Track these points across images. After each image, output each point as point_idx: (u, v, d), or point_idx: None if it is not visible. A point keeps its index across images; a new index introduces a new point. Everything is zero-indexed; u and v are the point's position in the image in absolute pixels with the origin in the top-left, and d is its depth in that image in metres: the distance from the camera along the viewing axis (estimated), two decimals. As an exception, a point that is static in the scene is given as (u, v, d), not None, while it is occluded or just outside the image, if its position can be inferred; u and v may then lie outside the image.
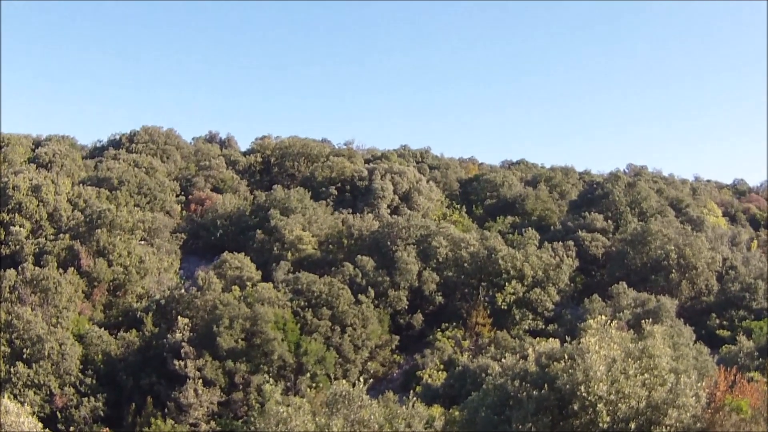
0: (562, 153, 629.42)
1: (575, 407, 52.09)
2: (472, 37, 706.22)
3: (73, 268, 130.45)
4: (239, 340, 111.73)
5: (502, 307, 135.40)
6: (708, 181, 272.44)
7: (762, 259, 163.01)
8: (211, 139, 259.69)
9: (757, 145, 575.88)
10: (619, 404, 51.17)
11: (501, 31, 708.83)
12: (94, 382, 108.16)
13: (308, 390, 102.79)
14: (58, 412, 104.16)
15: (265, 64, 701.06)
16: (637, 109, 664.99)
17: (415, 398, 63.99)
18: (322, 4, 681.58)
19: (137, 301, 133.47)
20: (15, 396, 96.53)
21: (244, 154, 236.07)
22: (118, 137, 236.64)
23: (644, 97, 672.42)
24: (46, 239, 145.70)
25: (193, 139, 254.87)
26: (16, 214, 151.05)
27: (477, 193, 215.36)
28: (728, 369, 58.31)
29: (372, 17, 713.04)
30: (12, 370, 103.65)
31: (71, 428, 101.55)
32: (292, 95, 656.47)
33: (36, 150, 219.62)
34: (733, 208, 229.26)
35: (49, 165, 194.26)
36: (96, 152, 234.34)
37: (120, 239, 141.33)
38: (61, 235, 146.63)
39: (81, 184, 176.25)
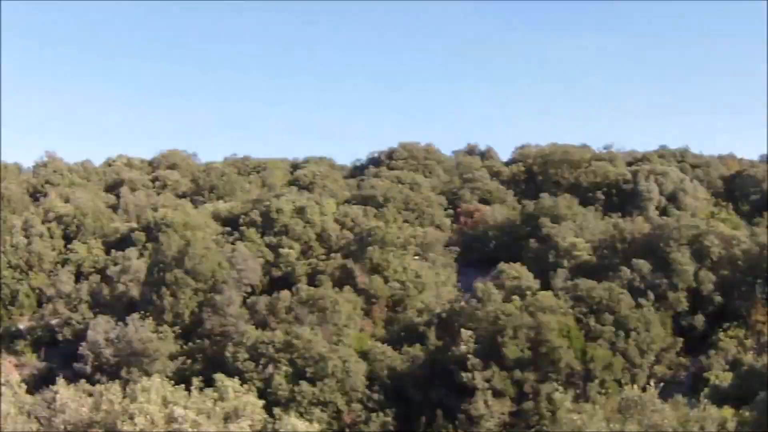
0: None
1: None
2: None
3: (349, 287, 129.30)
4: (525, 349, 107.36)
5: None
6: None
7: None
8: (470, 151, 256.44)
9: None
10: None
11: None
12: (382, 397, 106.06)
13: (598, 396, 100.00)
14: (347, 429, 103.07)
15: (511, 73, 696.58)
16: None
17: (705, 400, 62.25)
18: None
19: (417, 316, 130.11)
20: (301, 414, 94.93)
21: (506, 164, 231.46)
22: (377, 155, 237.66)
23: None
24: (317, 259, 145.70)
25: (452, 152, 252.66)
26: (284, 237, 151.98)
27: (741, 190, 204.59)
28: None
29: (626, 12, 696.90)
30: (296, 389, 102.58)
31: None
32: (540, 100, 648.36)
33: (294, 172, 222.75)
34: None
35: (310, 186, 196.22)
36: (356, 171, 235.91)
37: (393, 255, 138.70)
38: (332, 254, 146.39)
39: (346, 204, 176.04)
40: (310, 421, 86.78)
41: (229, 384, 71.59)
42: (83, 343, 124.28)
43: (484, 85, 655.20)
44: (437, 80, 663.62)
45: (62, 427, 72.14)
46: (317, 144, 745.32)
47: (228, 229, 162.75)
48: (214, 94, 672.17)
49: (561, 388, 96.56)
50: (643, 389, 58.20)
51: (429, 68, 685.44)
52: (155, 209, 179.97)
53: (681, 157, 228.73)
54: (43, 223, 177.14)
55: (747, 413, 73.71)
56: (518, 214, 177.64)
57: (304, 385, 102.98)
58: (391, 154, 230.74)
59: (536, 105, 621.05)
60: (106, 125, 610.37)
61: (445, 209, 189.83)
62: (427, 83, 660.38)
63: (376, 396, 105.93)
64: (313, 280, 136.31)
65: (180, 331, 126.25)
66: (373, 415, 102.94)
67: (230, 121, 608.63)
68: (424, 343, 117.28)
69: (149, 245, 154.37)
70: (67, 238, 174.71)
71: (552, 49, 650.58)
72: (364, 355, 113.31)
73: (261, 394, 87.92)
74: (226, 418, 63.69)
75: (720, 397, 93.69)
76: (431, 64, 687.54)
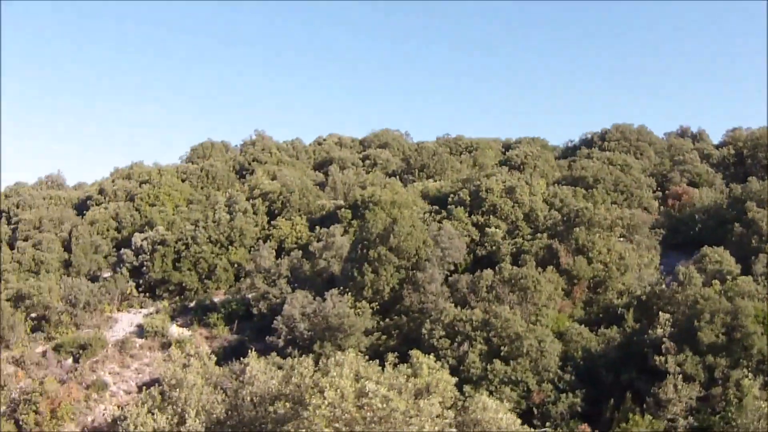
0: None
1: None
2: None
3: (551, 267, 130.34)
4: (719, 334, 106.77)
5: None
6: None
7: None
8: (682, 133, 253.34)
9: None
10: None
11: None
12: (573, 378, 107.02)
13: None
14: (534, 408, 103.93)
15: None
16: None
17: None
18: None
19: (617, 298, 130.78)
20: (491, 392, 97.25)
21: (717, 147, 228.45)
22: (589, 136, 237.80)
23: None
24: (522, 239, 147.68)
25: (664, 134, 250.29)
26: (491, 216, 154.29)
27: None
28: None
29: None
30: (489, 367, 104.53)
31: (547, 423, 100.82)
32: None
33: (507, 153, 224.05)
34: None
35: (522, 167, 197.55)
36: (568, 152, 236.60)
37: (599, 237, 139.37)
38: (538, 234, 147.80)
39: (555, 184, 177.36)
40: (500, 399, 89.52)
41: (424, 360, 75.08)
42: (278, 317, 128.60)
43: (701, 67, 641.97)
44: (653, 61, 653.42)
45: (248, 398, 76.75)
46: (529, 125, 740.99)
47: (436, 207, 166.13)
48: (425, 74, 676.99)
49: (750, 375, 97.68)
50: None
51: (645, 50, 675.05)
52: (363, 187, 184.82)
53: None
54: (247, 199, 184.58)
55: None
56: (725, 198, 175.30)
57: (497, 364, 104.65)
58: (603, 136, 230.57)
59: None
60: (317, 105, 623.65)
61: (654, 191, 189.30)
62: (644, 64, 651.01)
63: (567, 377, 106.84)
64: (517, 259, 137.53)
65: (378, 307, 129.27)
66: (562, 395, 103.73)
67: (442, 101, 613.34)
68: (621, 325, 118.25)
69: (354, 222, 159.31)
70: (272, 215, 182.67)
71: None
72: (560, 335, 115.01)
73: (453, 372, 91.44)
74: (417, 395, 66.65)
75: None
76: (648, 46, 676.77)
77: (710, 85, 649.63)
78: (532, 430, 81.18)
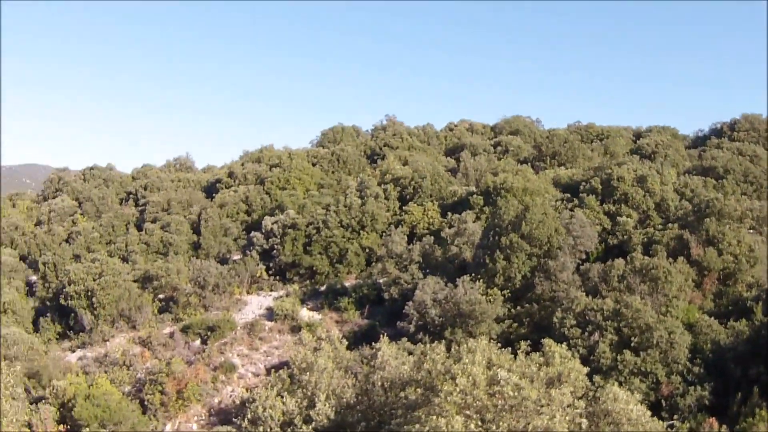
0: None
1: None
2: None
3: (682, 258, 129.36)
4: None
5: None
6: None
7: None
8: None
9: None
10: None
11: None
12: (702, 370, 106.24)
13: None
14: (662, 400, 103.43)
15: None
16: None
17: None
18: None
19: (747, 291, 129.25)
20: (620, 383, 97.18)
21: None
22: (719, 126, 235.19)
23: None
24: (654, 229, 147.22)
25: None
26: (623, 205, 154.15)
27: None
28: None
29: None
30: (619, 357, 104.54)
31: (675, 416, 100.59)
32: None
33: (637, 141, 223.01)
34: None
35: (653, 155, 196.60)
36: (698, 142, 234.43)
37: (729, 228, 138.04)
38: (669, 224, 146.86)
39: (686, 174, 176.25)
40: (631, 391, 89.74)
41: (556, 350, 75.75)
42: (409, 303, 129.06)
43: None
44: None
45: (379, 383, 78.06)
46: (660, 114, 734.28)
47: (567, 195, 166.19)
48: (556, 62, 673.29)
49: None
50: None
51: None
52: (495, 174, 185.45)
53: None
54: (379, 184, 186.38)
55: None
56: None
57: (627, 355, 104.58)
58: (732, 126, 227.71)
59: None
60: (448, 92, 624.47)
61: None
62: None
63: (696, 369, 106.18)
64: (648, 249, 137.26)
65: (509, 294, 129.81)
66: (691, 388, 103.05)
67: (573, 89, 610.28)
68: (750, 318, 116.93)
69: (486, 209, 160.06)
70: (403, 200, 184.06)
71: None
72: (689, 327, 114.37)
73: (584, 361, 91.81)
74: (549, 383, 67.33)
75: None
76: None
77: None
78: (661, 422, 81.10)
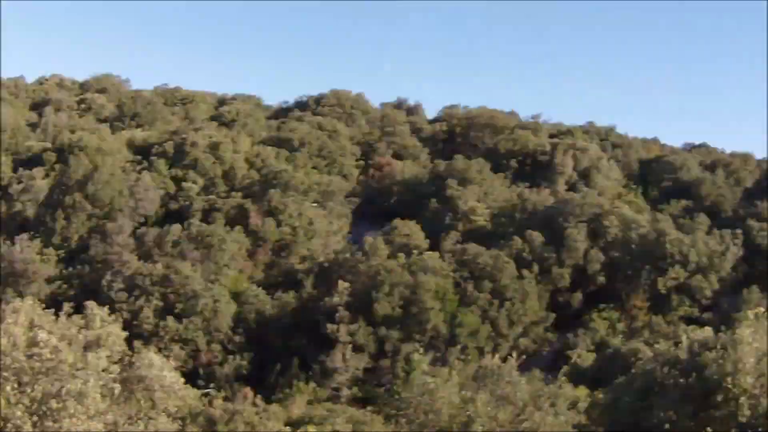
0: (741, 138, 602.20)
1: (719, 398, 48.17)
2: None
3: (240, 227, 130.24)
4: (396, 307, 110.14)
5: (662, 291, 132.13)
6: None
7: None
8: (398, 105, 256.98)
9: None
10: (762, 399, 46.90)
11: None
12: (243, 340, 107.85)
13: (457, 362, 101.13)
14: (201, 368, 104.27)
15: (456, 34, 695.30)
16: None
17: (563, 378, 61.75)
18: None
19: (300, 263, 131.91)
20: (161, 350, 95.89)
21: (430, 122, 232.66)
22: (305, 99, 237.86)
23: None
24: (217, 196, 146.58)
25: (380, 104, 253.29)
26: (191, 171, 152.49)
27: (655, 175, 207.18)
28: None
29: None
30: (161, 323, 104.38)
31: (211, 385, 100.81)
32: (481, 65, 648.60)
33: (219, 108, 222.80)
34: None
35: (231, 123, 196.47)
36: (281, 113, 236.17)
37: (293, 200, 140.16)
38: (234, 193, 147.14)
39: (261, 144, 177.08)
40: (168, 357, 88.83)
41: (97, 312, 73.17)
42: None
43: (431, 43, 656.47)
44: (390, 31, 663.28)
45: None
46: (252, 82, 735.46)
47: (139, 157, 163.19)
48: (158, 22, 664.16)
49: (422, 350, 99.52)
50: (504, 360, 56.38)
51: (379, 19, 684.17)
52: (73, 131, 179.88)
53: (606, 136, 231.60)
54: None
55: (601, 395, 75.00)
56: (427, 173, 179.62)
57: (170, 321, 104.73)
58: (318, 100, 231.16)
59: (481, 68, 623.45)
60: (46, 45, 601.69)
61: (357, 160, 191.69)
62: (381, 33, 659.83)
63: (237, 339, 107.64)
64: (207, 216, 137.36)
65: (65, 255, 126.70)
66: (230, 357, 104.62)
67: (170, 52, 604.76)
68: (299, 291, 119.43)
69: (57, 167, 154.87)
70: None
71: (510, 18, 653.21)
72: (236, 296, 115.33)
73: (127, 326, 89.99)
74: (87, 347, 65.04)
75: (579, 376, 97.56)
76: (382, 15, 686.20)
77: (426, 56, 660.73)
78: (197, 390, 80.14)
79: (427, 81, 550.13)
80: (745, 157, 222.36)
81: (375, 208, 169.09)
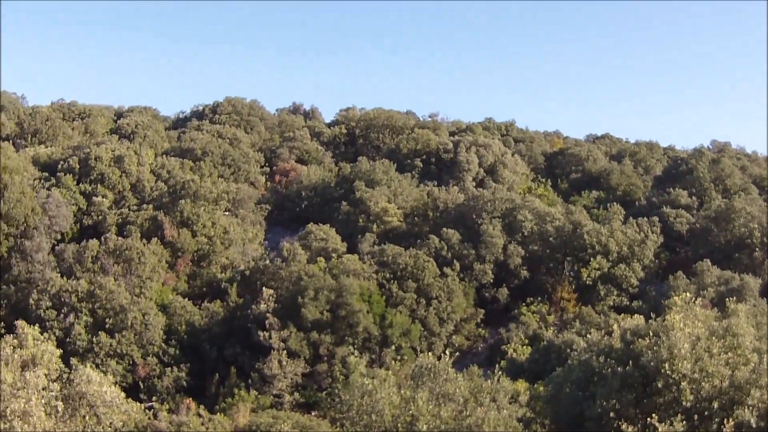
0: (646, 128, 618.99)
1: (659, 385, 51.10)
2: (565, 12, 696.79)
3: (156, 239, 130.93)
4: (324, 311, 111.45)
5: (587, 282, 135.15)
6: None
7: None
8: (295, 110, 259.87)
9: None
10: (703, 383, 49.78)
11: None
12: (178, 352, 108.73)
13: (393, 362, 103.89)
14: (140, 382, 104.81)
15: (348, 35, 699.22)
16: (721, 85, 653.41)
17: (500, 372, 61.63)
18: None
19: (221, 272, 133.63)
20: (97, 365, 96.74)
21: (329, 125, 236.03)
22: (201, 108, 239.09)
23: (729, 74, 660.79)
24: (129, 210, 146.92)
25: (276, 110, 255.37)
26: (99, 185, 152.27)
27: (562, 167, 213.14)
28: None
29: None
30: (94, 339, 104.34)
31: (153, 398, 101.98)
32: (376, 67, 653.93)
33: (118, 121, 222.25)
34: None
35: (132, 136, 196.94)
36: (179, 123, 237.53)
37: (204, 210, 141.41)
38: (145, 205, 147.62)
39: (164, 155, 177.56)
40: (105, 373, 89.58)
41: (29, 332, 74.04)
42: None
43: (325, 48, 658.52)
44: (280, 39, 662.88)
45: None
46: (147, 94, 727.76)
47: (46, 174, 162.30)
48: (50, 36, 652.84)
49: (357, 352, 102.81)
50: (439, 358, 58.01)
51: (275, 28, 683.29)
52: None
53: (506, 131, 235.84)
54: None
55: (541, 388, 76.37)
56: (333, 176, 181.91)
57: (103, 336, 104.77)
58: (215, 108, 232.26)
59: (378, 72, 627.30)
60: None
61: (262, 167, 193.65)
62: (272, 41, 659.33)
63: (172, 351, 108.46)
64: (123, 230, 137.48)
65: None
66: (168, 369, 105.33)
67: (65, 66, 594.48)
68: (225, 300, 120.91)
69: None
70: None
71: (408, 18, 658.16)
72: (164, 308, 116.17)
73: (60, 344, 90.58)
74: (24, 366, 65.92)
75: (516, 371, 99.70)
76: (279, 24, 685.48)
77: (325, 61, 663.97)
78: (140, 404, 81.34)
79: (319, 84, 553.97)
80: (651, 146, 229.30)
81: (286, 213, 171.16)
